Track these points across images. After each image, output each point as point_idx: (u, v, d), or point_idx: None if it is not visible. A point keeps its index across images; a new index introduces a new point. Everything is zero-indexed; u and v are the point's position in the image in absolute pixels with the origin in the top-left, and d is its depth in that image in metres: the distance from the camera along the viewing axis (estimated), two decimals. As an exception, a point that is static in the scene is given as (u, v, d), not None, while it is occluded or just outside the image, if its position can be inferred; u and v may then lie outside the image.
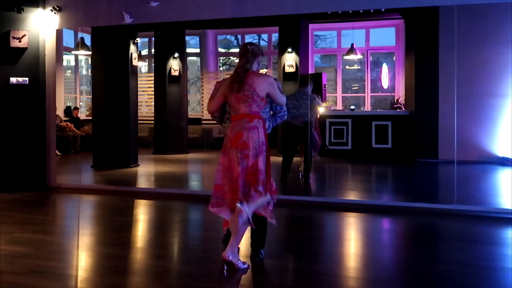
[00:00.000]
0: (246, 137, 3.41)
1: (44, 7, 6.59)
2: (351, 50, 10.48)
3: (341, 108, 11.75)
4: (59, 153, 9.34)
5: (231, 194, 3.43)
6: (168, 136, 10.83)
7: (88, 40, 9.60)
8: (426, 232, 4.69)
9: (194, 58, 14.67)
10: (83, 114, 12.13)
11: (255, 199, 3.35)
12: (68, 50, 11.62)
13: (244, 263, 3.41)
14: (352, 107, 11.08)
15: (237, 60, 12.80)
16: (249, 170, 3.38)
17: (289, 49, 10.32)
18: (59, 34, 7.67)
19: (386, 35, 12.65)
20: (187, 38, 12.30)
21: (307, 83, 7.12)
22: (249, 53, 3.52)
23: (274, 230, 3.58)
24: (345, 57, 11.06)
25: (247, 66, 3.50)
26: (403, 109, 10.37)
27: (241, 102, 3.47)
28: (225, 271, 3.33)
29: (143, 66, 13.76)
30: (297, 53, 10.30)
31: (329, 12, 8.53)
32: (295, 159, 7.29)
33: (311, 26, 11.33)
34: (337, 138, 10.04)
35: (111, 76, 8.83)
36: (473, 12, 8.60)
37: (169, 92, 11.00)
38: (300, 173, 7.41)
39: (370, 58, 12.21)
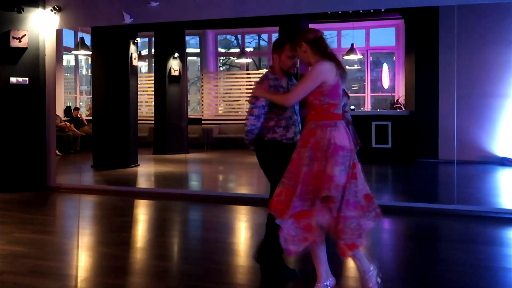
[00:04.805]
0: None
1: (44, 7, 6.59)
2: (351, 50, 10.48)
3: (341, 108, 11.74)
4: (59, 153, 9.34)
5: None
6: (168, 136, 10.83)
7: (88, 40, 9.60)
8: (426, 232, 4.68)
9: (194, 58, 14.68)
10: (83, 114, 12.13)
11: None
12: (68, 50, 11.63)
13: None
14: (352, 107, 11.06)
15: (237, 60, 12.66)
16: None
17: (289, 49, 10.30)
18: (59, 34, 7.66)
19: (386, 35, 12.66)
20: (187, 38, 12.31)
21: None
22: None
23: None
24: (345, 57, 11.06)
25: None
26: (403, 109, 10.37)
27: (343, 95, 2.91)
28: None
29: (143, 66, 13.77)
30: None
31: (329, 12, 8.53)
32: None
33: (311, 26, 11.31)
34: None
35: (111, 76, 8.83)
36: (473, 12, 8.60)
37: (169, 92, 11.01)
38: None
39: (370, 58, 12.21)
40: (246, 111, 3.27)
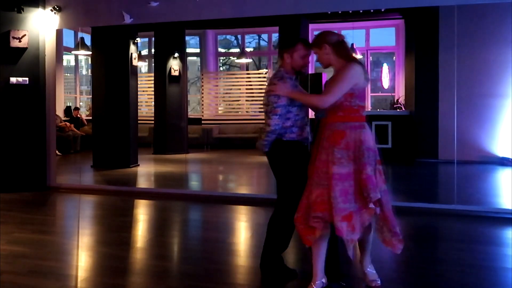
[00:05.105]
0: None
1: (44, 7, 6.59)
2: (351, 50, 10.48)
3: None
4: (59, 153, 9.34)
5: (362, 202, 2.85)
6: (168, 136, 10.83)
7: (88, 40, 9.60)
8: (426, 232, 4.68)
9: (194, 58, 14.69)
10: (83, 114, 12.13)
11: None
12: (68, 50, 11.63)
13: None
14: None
15: (237, 60, 12.67)
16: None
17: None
18: (59, 34, 7.66)
19: (386, 35, 12.66)
20: (187, 38, 12.31)
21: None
22: None
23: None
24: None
25: None
26: (403, 109, 10.37)
27: None
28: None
29: (143, 66, 13.77)
30: (297, 53, 10.27)
31: (329, 12, 8.53)
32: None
33: (311, 26, 11.33)
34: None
35: (111, 76, 8.83)
36: (473, 12, 8.60)
37: (169, 92, 11.01)
38: None
39: (370, 58, 12.22)
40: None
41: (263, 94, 3.27)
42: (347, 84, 2.82)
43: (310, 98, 3.03)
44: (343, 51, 2.94)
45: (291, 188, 3.09)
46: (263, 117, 3.28)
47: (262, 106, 3.29)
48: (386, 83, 11.66)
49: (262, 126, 3.18)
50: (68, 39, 11.63)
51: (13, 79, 6.47)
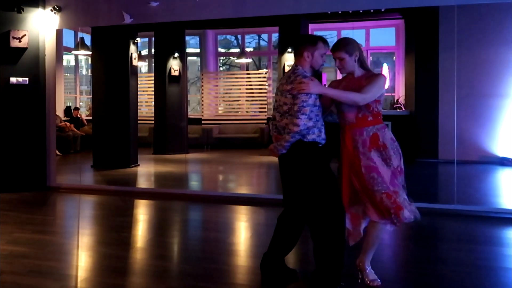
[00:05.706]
0: None
1: (44, 7, 6.59)
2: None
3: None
4: (59, 153, 9.34)
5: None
6: (168, 136, 10.83)
7: (88, 40, 9.60)
8: (426, 232, 4.68)
9: (194, 58, 14.68)
10: (83, 114, 12.13)
11: None
12: (68, 50, 11.63)
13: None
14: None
15: (237, 60, 12.66)
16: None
17: (289, 49, 10.32)
18: (59, 34, 7.66)
19: (386, 35, 12.65)
20: (187, 38, 12.31)
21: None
22: None
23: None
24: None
25: None
26: (403, 109, 10.37)
27: None
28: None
29: (143, 66, 13.76)
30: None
31: (329, 12, 8.52)
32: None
33: (311, 26, 11.32)
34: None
35: (111, 76, 8.83)
36: (473, 12, 8.61)
37: (169, 92, 11.00)
38: None
39: (370, 58, 12.21)
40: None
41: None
42: (380, 90, 3.02)
43: (349, 95, 2.96)
44: (364, 60, 3.13)
45: (311, 190, 3.00)
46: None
47: (280, 105, 3.08)
48: (386, 83, 11.65)
49: (268, 125, 3.13)
50: (68, 39, 11.65)
51: (13, 79, 6.47)
